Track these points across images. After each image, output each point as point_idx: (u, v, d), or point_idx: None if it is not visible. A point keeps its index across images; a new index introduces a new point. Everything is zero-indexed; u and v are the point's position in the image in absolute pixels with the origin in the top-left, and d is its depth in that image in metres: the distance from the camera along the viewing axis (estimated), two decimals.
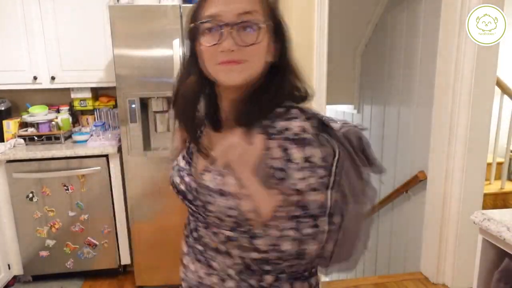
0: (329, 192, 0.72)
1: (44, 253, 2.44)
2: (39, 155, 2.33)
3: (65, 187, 2.38)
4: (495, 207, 2.93)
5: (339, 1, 2.44)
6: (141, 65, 2.18)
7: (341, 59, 3.32)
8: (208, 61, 0.73)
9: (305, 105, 0.80)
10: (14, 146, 2.46)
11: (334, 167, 0.72)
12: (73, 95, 2.70)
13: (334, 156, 0.72)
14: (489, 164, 2.73)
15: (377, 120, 3.19)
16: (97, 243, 2.47)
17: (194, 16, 0.74)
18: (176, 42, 2.13)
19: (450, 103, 2.15)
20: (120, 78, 2.19)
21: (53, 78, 2.51)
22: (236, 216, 0.72)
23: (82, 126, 2.82)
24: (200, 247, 0.82)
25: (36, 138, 2.53)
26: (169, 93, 2.09)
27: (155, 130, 2.42)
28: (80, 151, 2.36)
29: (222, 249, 0.78)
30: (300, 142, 0.69)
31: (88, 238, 2.46)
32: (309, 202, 0.69)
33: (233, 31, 0.69)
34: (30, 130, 2.58)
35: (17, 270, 2.45)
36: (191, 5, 1.21)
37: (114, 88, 2.24)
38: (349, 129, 0.77)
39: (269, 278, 0.76)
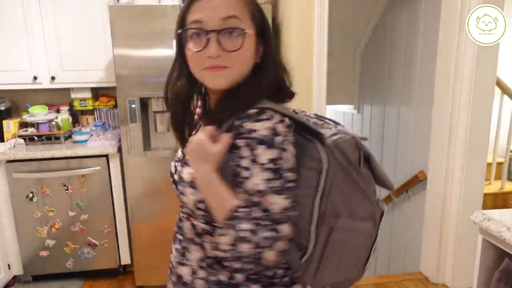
0: (316, 201, 0.72)
1: (44, 253, 2.44)
2: (39, 155, 2.33)
3: (65, 187, 2.38)
4: (495, 207, 2.93)
5: (339, 1, 2.44)
6: (141, 65, 2.17)
7: (341, 59, 3.32)
8: (194, 66, 0.75)
9: (287, 105, 0.81)
10: (14, 146, 2.46)
11: (323, 175, 0.71)
12: (73, 95, 2.70)
13: (320, 163, 0.71)
14: (489, 164, 2.73)
15: (377, 120, 3.19)
16: (97, 243, 2.47)
17: (181, 21, 0.76)
18: None
19: (450, 103, 2.15)
20: (120, 78, 2.19)
21: (53, 78, 2.51)
22: (203, 209, 0.75)
23: (82, 126, 2.82)
24: (180, 237, 0.85)
25: (36, 138, 2.53)
26: None
27: (155, 130, 2.42)
28: (80, 151, 2.36)
29: (197, 241, 0.80)
30: (267, 143, 0.68)
31: (88, 238, 2.46)
32: (270, 205, 0.67)
33: (218, 37, 0.71)
34: (30, 130, 2.58)
35: (17, 270, 2.45)
36: None
37: (114, 88, 2.23)
38: (341, 138, 0.75)
39: (239, 277, 0.76)
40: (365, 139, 0.79)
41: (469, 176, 2.15)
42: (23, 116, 2.59)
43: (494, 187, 3.02)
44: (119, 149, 2.41)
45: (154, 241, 2.37)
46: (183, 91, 0.80)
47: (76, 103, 2.74)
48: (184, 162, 0.80)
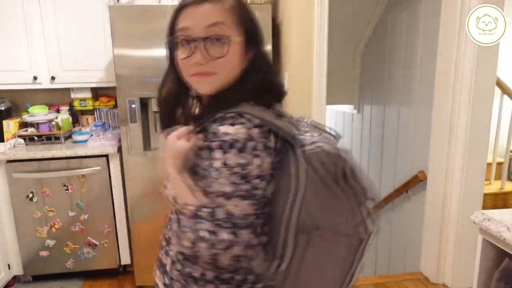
0: (295, 209, 0.71)
1: (44, 253, 2.44)
2: (39, 155, 2.33)
3: (65, 187, 2.38)
4: (495, 207, 2.93)
5: (339, 1, 2.44)
6: (141, 65, 2.18)
7: (341, 59, 3.32)
8: (183, 72, 0.78)
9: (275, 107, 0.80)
10: (14, 146, 2.46)
11: (301, 183, 0.71)
12: (73, 95, 2.70)
13: (298, 171, 0.71)
14: (489, 164, 2.73)
15: (377, 120, 3.19)
16: (97, 243, 2.47)
17: (171, 27, 0.79)
18: None
19: (450, 103, 2.15)
20: (120, 78, 2.19)
21: (53, 78, 2.51)
22: (175, 204, 0.78)
23: (82, 126, 2.83)
24: (168, 227, 0.89)
25: (36, 138, 2.53)
26: None
27: (155, 130, 2.42)
28: (80, 151, 2.36)
29: (180, 234, 0.80)
30: (238, 148, 0.68)
31: (88, 238, 2.46)
32: (233, 209, 0.67)
33: (203, 44, 0.73)
34: (30, 130, 2.58)
35: (17, 270, 2.45)
36: None
37: (114, 88, 2.24)
38: (319, 148, 0.72)
39: (210, 275, 0.77)
40: (347, 151, 0.74)
41: (469, 176, 2.15)
42: (23, 116, 2.59)
43: (494, 187, 3.01)
44: (119, 149, 2.41)
45: (154, 241, 2.35)
46: (171, 93, 0.83)
47: (76, 103, 2.74)
48: None
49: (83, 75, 2.54)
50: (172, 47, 0.79)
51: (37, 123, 2.56)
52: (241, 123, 0.69)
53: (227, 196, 0.68)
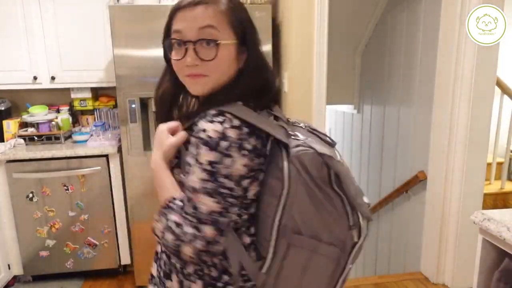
0: (278, 211, 0.72)
1: (44, 253, 2.44)
2: (39, 155, 2.33)
3: (65, 187, 2.38)
4: (495, 207, 2.93)
5: (339, 1, 2.44)
6: (141, 65, 2.18)
7: (341, 59, 3.32)
8: (177, 73, 0.80)
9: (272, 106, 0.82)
10: (14, 146, 2.46)
11: (285, 186, 0.71)
12: (73, 95, 2.70)
13: (283, 173, 0.71)
14: (489, 164, 2.73)
15: (377, 120, 3.19)
16: (97, 243, 2.47)
17: (167, 29, 0.81)
18: None
19: (450, 103, 2.15)
20: (120, 78, 2.19)
21: (53, 78, 2.51)
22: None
23: (82, 126, 2.82)
24: None
25: (36, 138, 2.53)
26: None
27: (155, 130, 2.42)
28: (80, 151, 2.36)
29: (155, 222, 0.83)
30: (210, 145, 0.69)
31: (88, 238, 2.46)
32: (199, 204, 0.69)
33: (194, 47, 0.74)
34: (30, 130, 2.58)
35: (17, 270, 2.45)
36: None
37: (114, 88, 2.24)
38: (302, 151, 0.72)
39: (190, 268, 0.79)
40: (332, 158, 0.73)
41: (469, 176, 2.15)
42: (23, 116, 2.59)
43: (494, 187, 3.01)
44: (119, 149, 2.41)
45: (154, 241, 2.36)
46: (168, 93, 0.85)
47: (76, 103, 2.74)
48: None
49: (83, 75, 2.54)
50: (167, 48, 0.81)
51: (37, 123, 2.56)
52: (220, 122, 0.70)
53: (195, 191, 0.70)
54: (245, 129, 0.70)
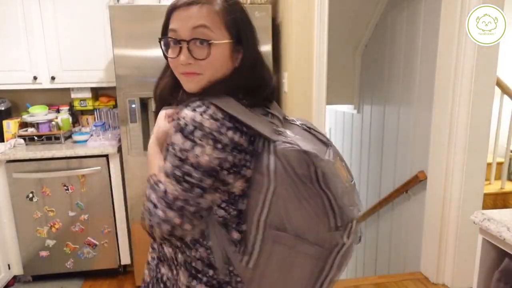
0: (265, 207, 0.73)
1: (44, 253, 2.44)
2: (39, 155, 2.33)
3: (65, 187, 2.38)
4: (495, 207, 2.93)
5: (339, 1, 2.44)
6: (141, 65, 2.18)
7: (341, 59, 3.32)
8: (173, 70, 0.82)
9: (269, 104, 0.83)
10: (14, 146, 2.46)
11: (272, 181, 0.72)
12: (73, 95, 2.70)
13: (269, 169, 0.72)
14: (489, 164, 2.73)
15: (377, 120, 3.19)
16: (97, 243, 2.47)
17: (164, 27, 0.81)
18: None
19: (450, 103, 2.15)
20: (120, 78, 2.19)
21: (53, 78, 2.51)
22: None
23: (82, 126, 2.82)
24: None
25: (36, 138, 2.53)
26: None
27: None
28: (80, 151, 2.36)
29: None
30: (183, 133, 0.70)
31: (88, 238, 2.46)
32: (168, 189, 0.71)
33: (188, 46, 0.75)
34: (30, 130, 2.58)
35: (17, 270, 2.45)
36: None
37: (114, 88, 2.24)
38: (288, 147, 0.72)
39: (179, 257, 0.81)
40: (319, 157, 0.73)
41: (469, 176, 2.15)
42: (23, 116, 2.59)
43: (494, 187, 3.01)
44: (119, 149, 2.41)
45: None
46: (166, 88, 0.87)
47: (76, 103, 2.74)
48: None
49: (83, 75, 2.54)
50: (164, 46, 0.82)
51: (37, 123, 2.56)
52: (200, 112, 0.71)
53: (167, 175, 0.72)
54: (227, 124, 0.71)
